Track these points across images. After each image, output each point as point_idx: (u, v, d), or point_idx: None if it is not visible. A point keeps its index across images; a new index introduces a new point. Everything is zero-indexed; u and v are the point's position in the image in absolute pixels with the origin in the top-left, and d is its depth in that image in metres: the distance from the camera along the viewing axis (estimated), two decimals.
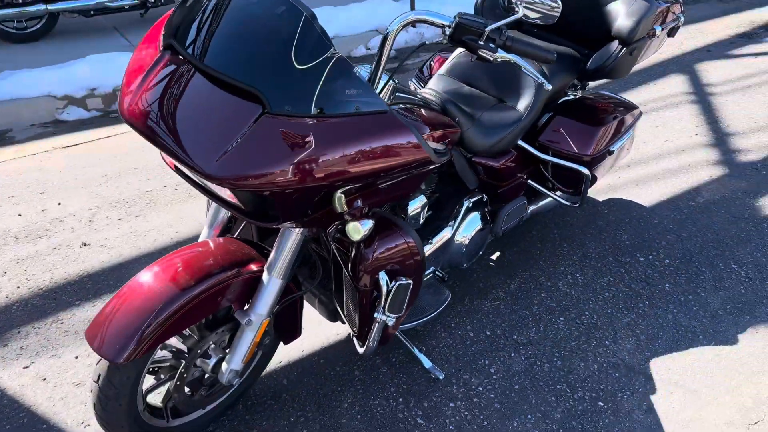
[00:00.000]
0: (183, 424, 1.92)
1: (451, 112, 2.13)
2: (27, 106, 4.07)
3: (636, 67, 4.03)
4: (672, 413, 2.03)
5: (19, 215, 3.09)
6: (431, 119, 1.88)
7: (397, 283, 1.73)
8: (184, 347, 1.82)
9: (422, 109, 1.90)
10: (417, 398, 2.10)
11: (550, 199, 2.62)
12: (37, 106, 4.10)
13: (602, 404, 2.07)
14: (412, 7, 5.24)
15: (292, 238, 1.68)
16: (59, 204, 3.20)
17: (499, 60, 1.58)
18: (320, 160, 1.37)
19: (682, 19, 2.64)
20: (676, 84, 4.31)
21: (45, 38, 5.08)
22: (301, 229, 1.67)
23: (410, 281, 1.75)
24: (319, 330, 2.35)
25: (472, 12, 2.11)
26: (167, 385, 1.85)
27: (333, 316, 2.06)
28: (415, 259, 1.80)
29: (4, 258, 2.79)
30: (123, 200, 3.24)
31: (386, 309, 1.75)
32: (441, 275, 2.30)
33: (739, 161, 3.40)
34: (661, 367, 2.19)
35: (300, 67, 1.36)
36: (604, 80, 2.54)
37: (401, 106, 1.83)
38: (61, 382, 2.20)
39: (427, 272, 2.24)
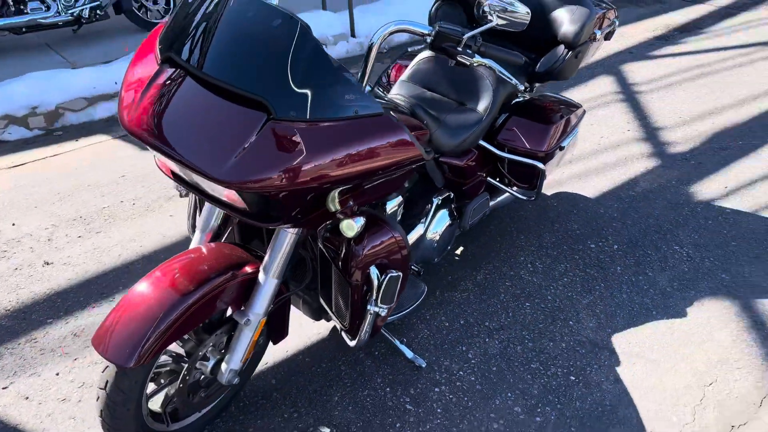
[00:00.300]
0: (182, 428, 1.96)
1: (419, 115, 2.26)
2: None
3: None
4: (636, 381, 2.23)
5: None
6: (404, 122, 2.00)
7: (388, 275, 1.84)
8: (182, 351, 1.87)
9: (394, 113, 2.02)
10: (403, 386, 2.21)
11: (507, 194, 2.80)
12: None
13: (574, 378, 2.24)
14: (351, 15, 5.38)
15: (286, 238, 1.75)
16: (13, 225, 3.13)
17: (475, 64, 1.73)
18: (323, 162, 1.47)
19: (617, 23, 2.88)
20: (604, 84, 4.62)
21: None
22: (296, 230, 1.75)
23: (400, 273, 1.86)
24: (300, 331, 2.43)
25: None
26: (165, 390, 1.89)
27: (317, 315, 2.14)
28: (402, 253, 1.91)
29: None
30: (80, 217, 3.21)
31: (378, 301, 1.85)
32: (417, 269, 2.42)
33: (669, 153, 3.69)
34: (621, 341, 2.39)
35: (300, 74, 1.45)
36: (546, 82, 2.75)
37: None
38: (45, 399, 2.19)
39: None
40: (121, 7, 5.32)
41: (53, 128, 4.20)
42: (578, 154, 3.67)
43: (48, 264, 2.87)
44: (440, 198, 2.43)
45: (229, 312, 1.88)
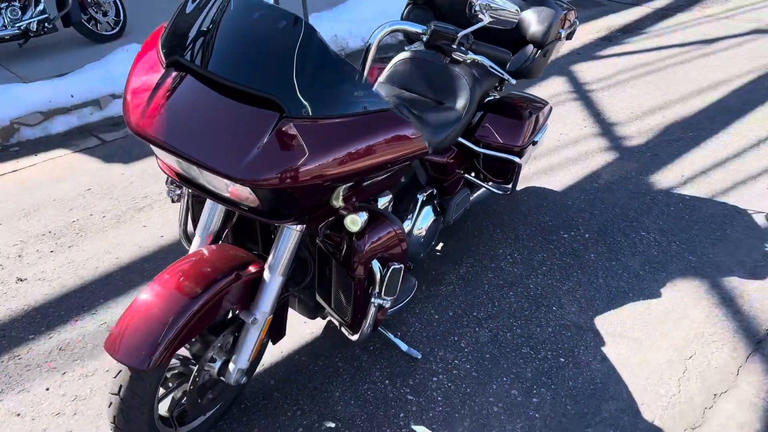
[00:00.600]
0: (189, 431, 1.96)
1: (405, 113, 2.33)
2: None
3: None
4: (622, 359, 2.34)
5: None
6: None
7: (391, 268, 1.89)
8: (188, 354, 1.87)
9: None
10: (402, 378, 2.26)
11: (483, 189, 2.89)
12: None
13: (563, 360, 2.34)
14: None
15: (291, 236, 1.78)
16: None
17: (468, 61, 1.81)
18: (335, 157, 1.51)
19: (578, 23, 3.03)
20: (557, 84, 4.80)
21: None
22: (300, 227, 1.79)
23: (401, 265, 1.92)
24: (293, 332, 2.44)
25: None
26: (173, 393, 1.89)
27: (313, 314, 2.17)
28: (402, 246, 1.97)
29: None
30: (49, 232, 3.13)
31: (382, 293, 1.90)
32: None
33: (626, 146, 3.87)
34: (604, 323, 2.51)
35: (310, 73, 1.49)
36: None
37: None
38: (38, 414, 2.14)
39: None
40: (70, 20, 5.17)
41: (9, 144, 4.07)
42: (542, 151, 3.81)
43: (21, 280, 2.80)
44: (424, 195, 2.50)
45: (233, 312, 1.90)
